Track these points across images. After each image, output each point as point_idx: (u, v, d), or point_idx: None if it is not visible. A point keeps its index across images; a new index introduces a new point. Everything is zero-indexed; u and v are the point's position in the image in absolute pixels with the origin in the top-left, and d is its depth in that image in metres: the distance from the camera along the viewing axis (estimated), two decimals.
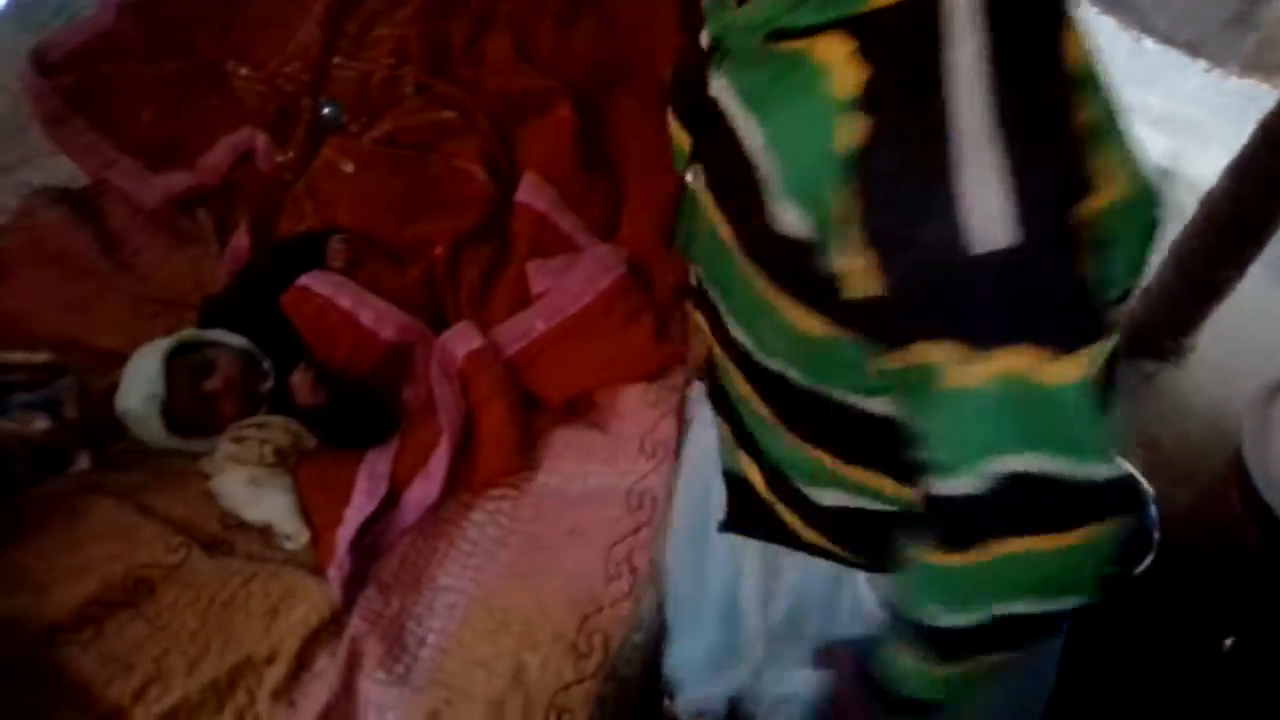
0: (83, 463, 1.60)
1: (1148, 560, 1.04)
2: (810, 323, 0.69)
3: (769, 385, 0.80)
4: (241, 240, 1.87)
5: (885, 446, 0.76)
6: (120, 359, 1.75)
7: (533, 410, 1.68)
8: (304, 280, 1.73)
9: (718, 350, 0.87)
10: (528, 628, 1.43)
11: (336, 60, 2.09)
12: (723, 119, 0.71)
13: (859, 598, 0.92)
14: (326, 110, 2.02)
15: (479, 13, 2.10)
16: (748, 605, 1.00)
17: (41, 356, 1.65)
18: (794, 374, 0.76)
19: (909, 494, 0.76)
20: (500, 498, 1.60)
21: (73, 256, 1.84)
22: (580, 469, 1.60)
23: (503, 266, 1.81)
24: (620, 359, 1.68)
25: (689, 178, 0.78)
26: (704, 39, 0.75)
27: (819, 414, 0.78)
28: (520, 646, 1.41)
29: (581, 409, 1.68)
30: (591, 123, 1.95)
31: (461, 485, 1.62)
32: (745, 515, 0.96)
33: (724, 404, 0.93)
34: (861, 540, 0.89)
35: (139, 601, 1.50)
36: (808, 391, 0.76)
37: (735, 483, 0.95)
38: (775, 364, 0.77)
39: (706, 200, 0.75)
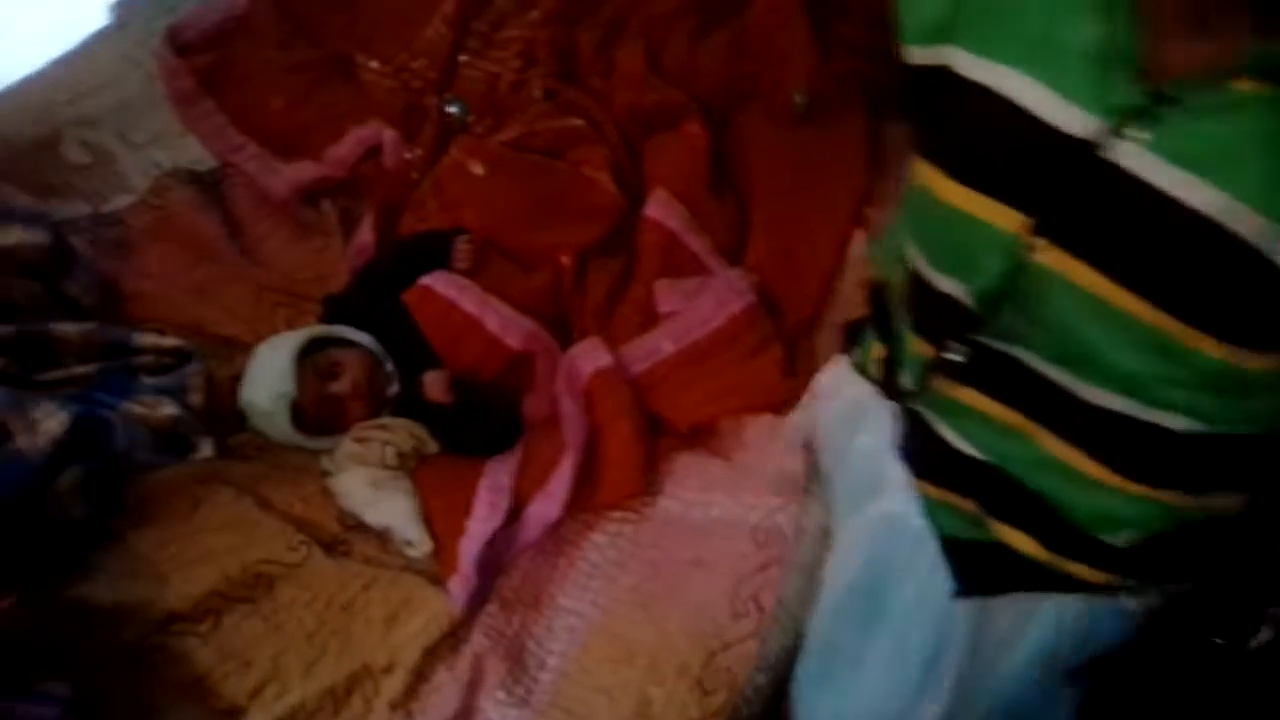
0: (205, 451, 1.59)
1: (1263, 634, 1.01)
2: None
3: (1127, 442, 0.79)
4: (365, 236, 1.86)
5: (1252, 464, 0.81)
6: (241, 347, 1.75)
7: (655, 434, 1.66)
8: (426, 280, 1.72)
9: (1013, 420, 0.84)
10: (653, 660, 1.41)
11: (464, 59, 2.08)
12: (1133, 188, 0.68)
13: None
14: (452, 109, 2.01)
15: (610, 22, 2.08)
16: (949, 664, 0.98)
17: (170, 341, 1.64)
18: (1187, 422, 0.76)
19: (1237, 499, 0.84)
20: (621, 520, 1.58)
21: (200, 240, 1.83)
22: (703, 497, 1.58)
23: (629, 282, 1.79)
24: (746, 388, 1.65)
25: (1035, 256, 0.74)
26: (1071, 116, 0.71)
27: (1192, 457, 0.80)
28: (645, 679, 1.39)
29: (705, 436, 1.66)
30: (719, 141, 1.93)
31: (581, 504, 1.60)
32: (993, 579, 0.94)
33: (974, 477, 0.90)
34: (1156, 561, 0.91)
35: (257, 598, 1.49)
36: (1193, 437, 0.77)
37: (975, 551, 0.93)
38: (1160, 416, 0.76)
39: (1084, 275, 0.72)
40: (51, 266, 1.61)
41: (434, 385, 1.62)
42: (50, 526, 1.44)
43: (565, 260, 1.77)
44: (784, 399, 1.65)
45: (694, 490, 1.59)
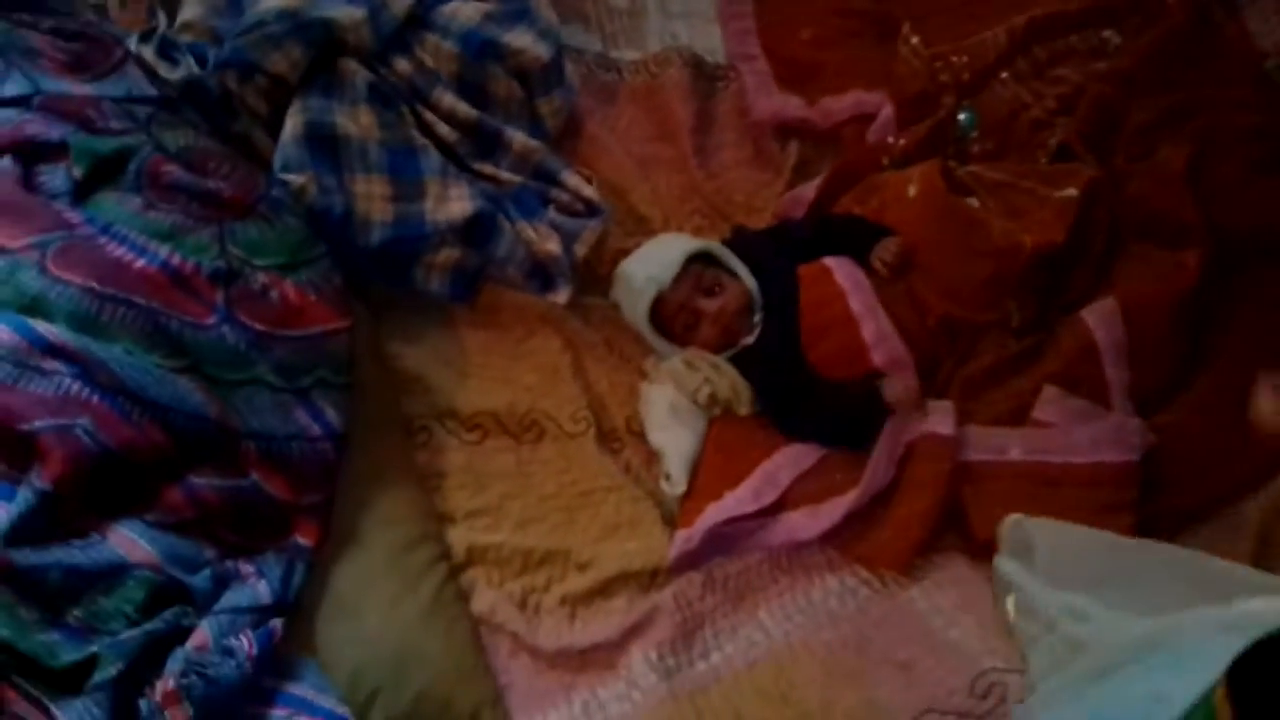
0: (561, 296, 1.67)
1: None
2: None
3: None
4: (807, 193, 1.83)
5: None
6: (646, 228, 1.81)
7: (947, 524, 1.52)
8: (829, 262, 1.67)
9: None
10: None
11: (1004, 75, 1.95)
12: None
13: None
14: (963, 117, 1.89)
15: (1173, 109, 1.84)
16: None
17: (590, 191, 1.72)
18: None
19: None
20: (863, 581, 1.48)
21: (669, 121, 1.89)
22: (952, 614, 1.44)
23: (1019, 370, 1.62)
24: None
25: None
26: None
27: None
28: None
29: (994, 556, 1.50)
30: (1211, 285, 1.66)
31: (836, 541, 1.51)
32: None
33: None
34: None
35: (522, 441, 1.57)
36: None
37: None
38: None
39: None
40: (538, 81, 1.74)
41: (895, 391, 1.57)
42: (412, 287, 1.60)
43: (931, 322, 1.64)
44: None
45: (950, 601, 1.46)
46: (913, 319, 1.63)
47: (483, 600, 1.42)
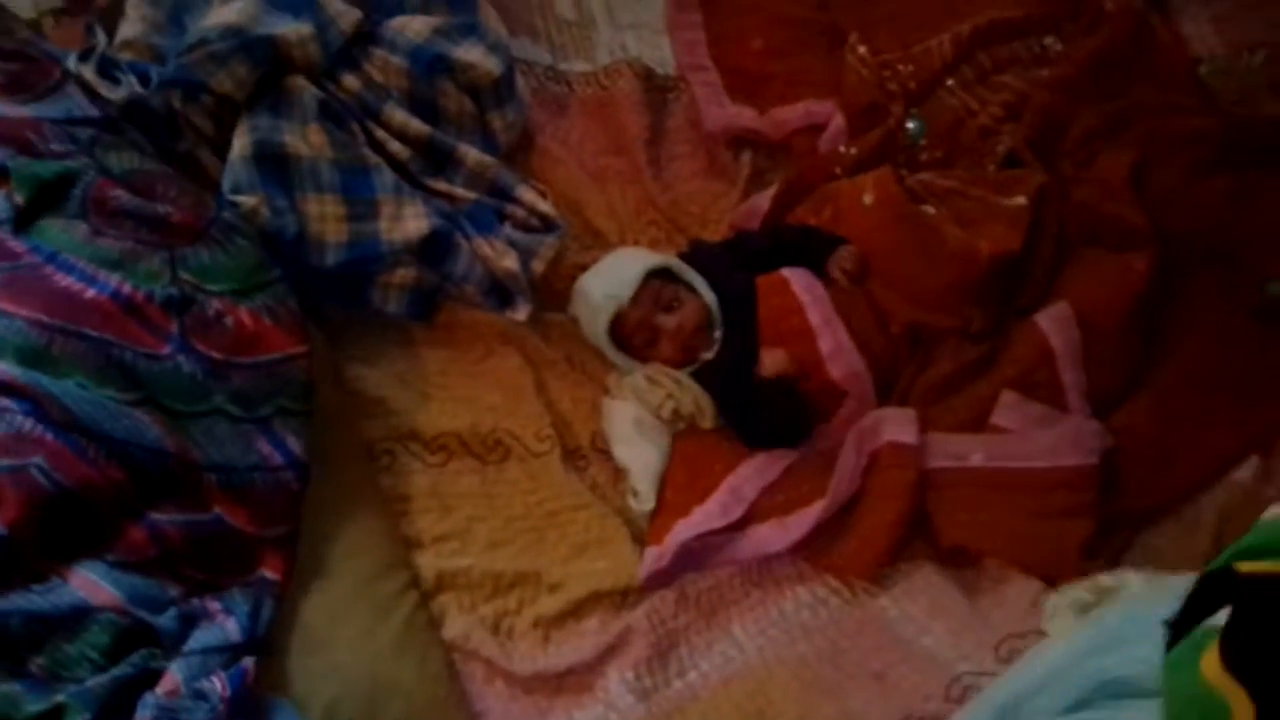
0: (520, 313, 1.65)
1: None
2: None
3: None
4: (762, 202, 1.84)
5: None
6: (602, 242, 1.80)
7: (913, 531, 1.53)
8: (787, 273, 1.68)
9: None
10: None
11: (949, 83, 1.98)
12: None
13: None
14: (911, 125, 1.92)
15: (1116, 114, 1.88)
16: None
17: (546, 206, 1.71)
18: None
19: None
20: (833, 591, 1.49)
21: (623, 133, 1.89)
22: (925, 621, 1.45)
23: (979, 377, 1.64)
24: (1033, 544, 1.48)
25: None
26: None
27: None
28: None
29: (959, 562, 1.51)
30: (1158, 290, 1.70)
31: (805, 552, 1.52)
32: None
33: None
34: None
35: (487, 461, 1.55)
36: None
37: None
38: None
39: None
40: (489, 96, 1.72)
41: (773, 361, 1.58)
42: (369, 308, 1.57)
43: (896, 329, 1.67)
44: (1069, 576, 1.45)
45: (920, 608, 1.46)
46: (872, 328, 1.64)
47: (455, 626, 1.40)
